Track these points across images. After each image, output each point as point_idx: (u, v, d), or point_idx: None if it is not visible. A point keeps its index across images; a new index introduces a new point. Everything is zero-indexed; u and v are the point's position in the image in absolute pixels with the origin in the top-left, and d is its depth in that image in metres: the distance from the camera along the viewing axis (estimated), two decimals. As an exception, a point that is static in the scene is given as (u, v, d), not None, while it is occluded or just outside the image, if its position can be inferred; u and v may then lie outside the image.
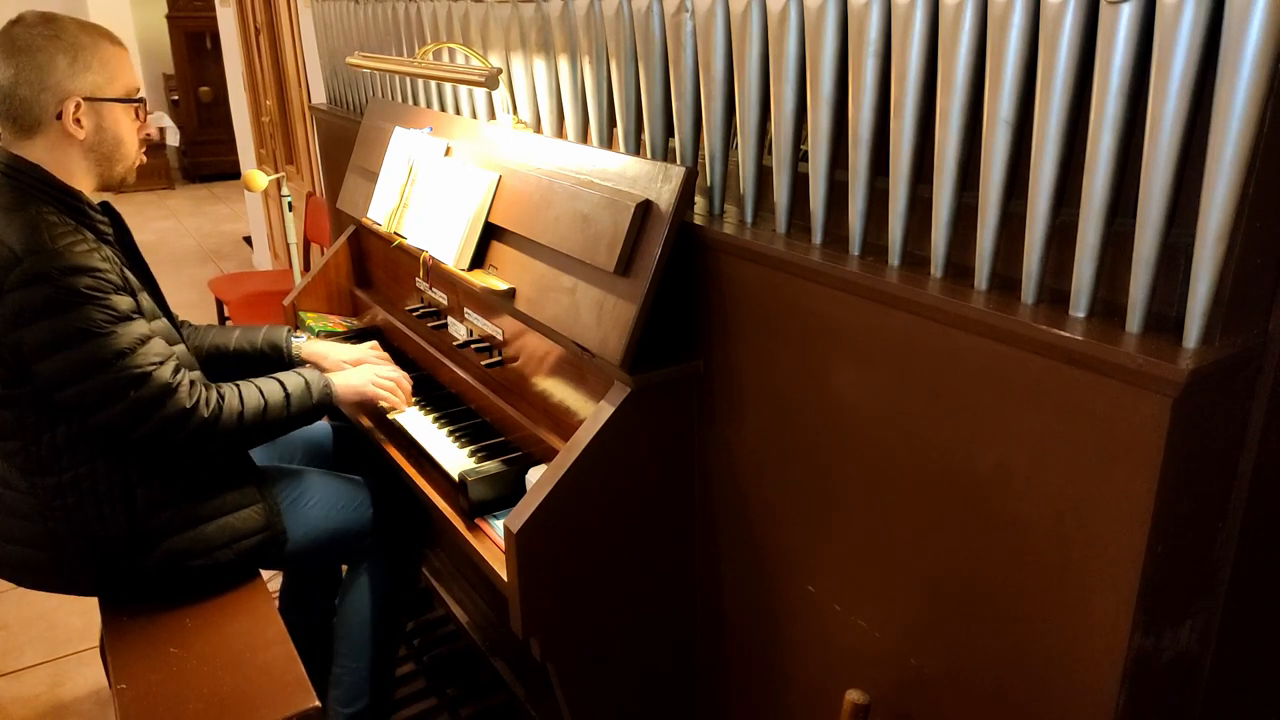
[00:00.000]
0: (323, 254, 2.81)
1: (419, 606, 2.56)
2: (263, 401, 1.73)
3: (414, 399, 1.97)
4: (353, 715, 2.01)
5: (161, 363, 1.61)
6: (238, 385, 1.73)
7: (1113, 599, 1.02)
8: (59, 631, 2.61)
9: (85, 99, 1.61)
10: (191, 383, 1.65)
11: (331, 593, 2.18)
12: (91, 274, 1.54)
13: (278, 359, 2.03)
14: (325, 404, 1.84)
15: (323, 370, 1.96)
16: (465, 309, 1.92)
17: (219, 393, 1.69)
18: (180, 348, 1.72)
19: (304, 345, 2.05)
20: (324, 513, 1.91)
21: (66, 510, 1.67)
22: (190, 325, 2.05)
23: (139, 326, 1.61)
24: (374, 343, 2.14)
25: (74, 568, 1.72)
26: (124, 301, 1.59)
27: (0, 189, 1.59)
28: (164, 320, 1.72)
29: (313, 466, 2.08)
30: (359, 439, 2.19)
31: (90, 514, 1.68)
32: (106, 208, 1.71)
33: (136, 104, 1.70)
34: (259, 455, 1.97)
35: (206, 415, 1.65)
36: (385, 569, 2.03)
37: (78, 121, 1.61)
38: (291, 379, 1.80)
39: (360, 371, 1.94)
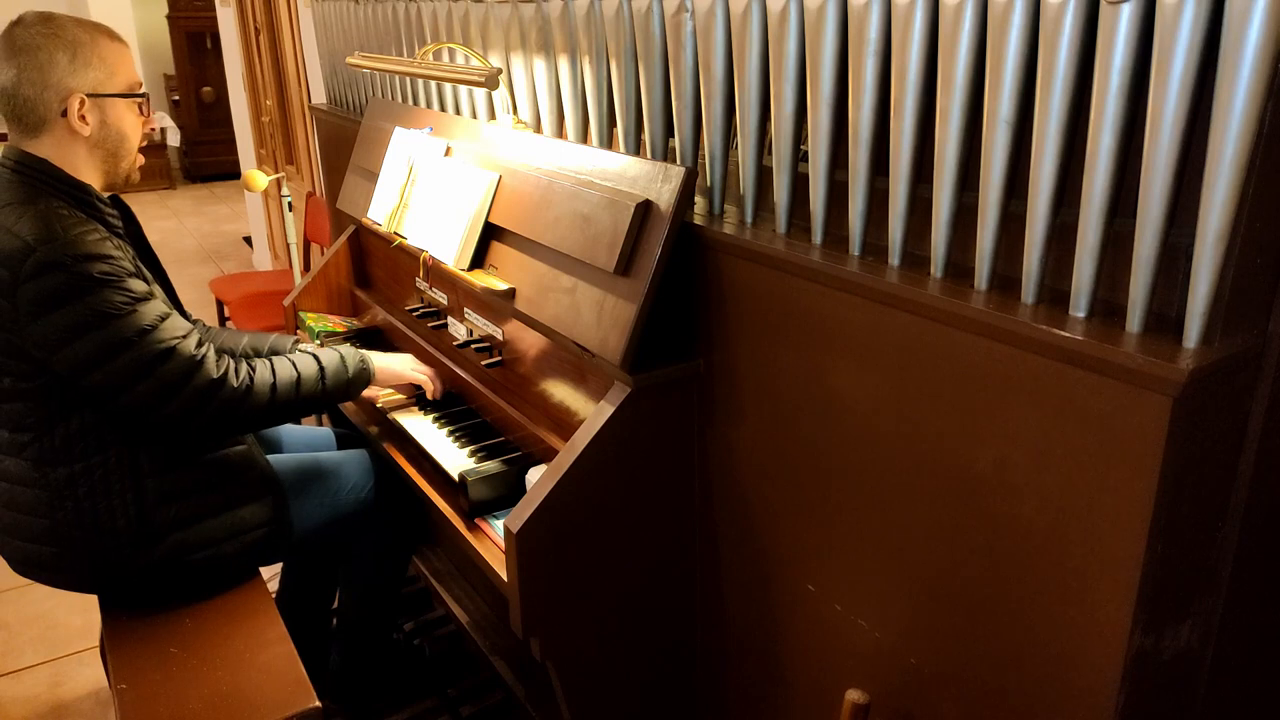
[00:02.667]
0: (323, 254, 2.80)
1: (419, 606, 2.56)
2: (296, 374, 1.73)
3: (413, 400, 1.98)
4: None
5: (184, 336, 1.62)
6: (270, 359, 1.74)
7: (1113, 599, 1.02)
8: (59, 631, 2.61)
9: (88, 95, 1.61)
10: (218, 354, 1.65)
11: (331, 582, 2.20)
12: (105, 260, 1.55)
13: None
14: (362, 382, 1.83)
15: None
16: (465, 309, 1.92)
17: (250, 365, 1.70)
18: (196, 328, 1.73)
19: None
20: (328, 499, 1.92)
21: (77, 501, 1.67)
22: (201, 323, 2.06)
23: (158, 305, 1.61)
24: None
25: (80, 562, 1.72)
26: (139, 284, 1.60)
27: (11, 185, 1.60)
28: (175, 313, 1.73)
29: (314, 448, 2.10)
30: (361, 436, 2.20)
31: (100, 505, 1.68)
32: (116, 201, 1.71)
33: (140, 99, 1.70)
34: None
35: (236, 385, 1.65)
36: (382, 543, 2.05)
37: (82, 118, 1.62)
38: (327, 354, 1.80)
39: (402, 358, 1.95)
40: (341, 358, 1.81)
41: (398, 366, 1.91)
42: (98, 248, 1.55)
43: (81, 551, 1.71)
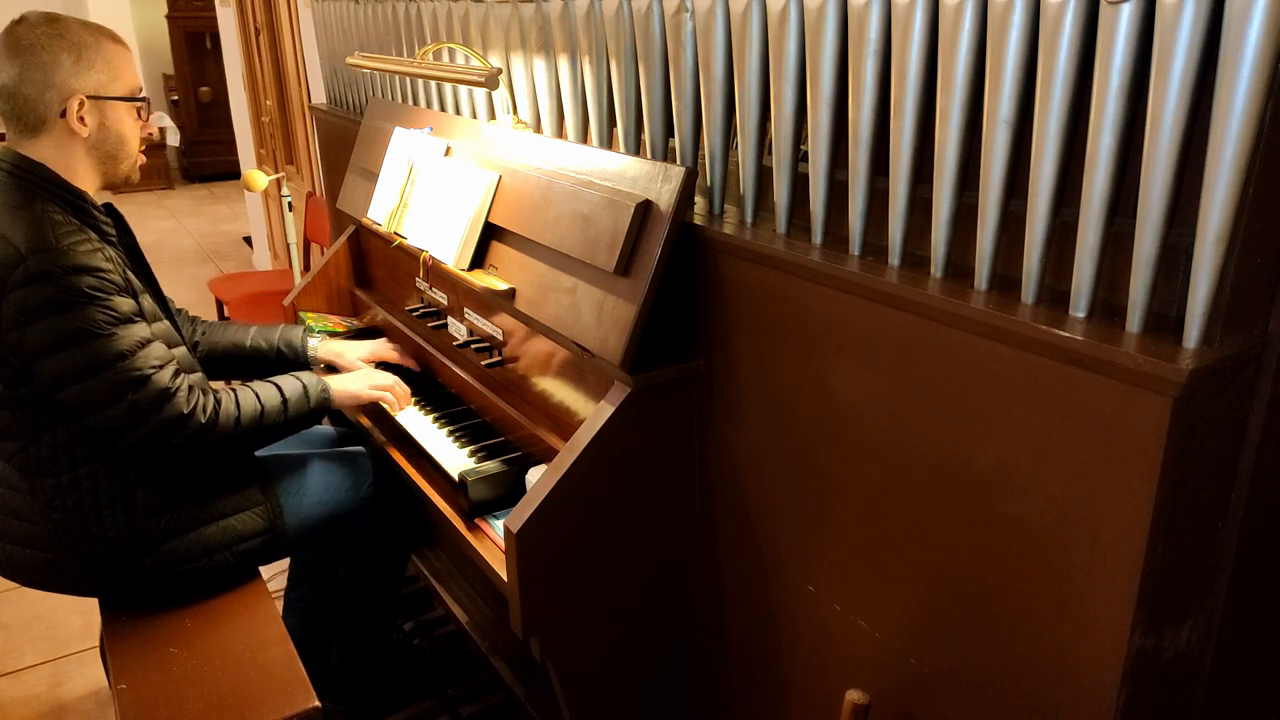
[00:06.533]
0: (323, 254, 2.80)
1: (419, 606, 2.56)
2: (259, 407, 1.73)
3: (414, 399, 1.98)
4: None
5: (161, 366, 1.62)
6: (234, 390, 1.74)
7: (1113, 599, 1.02)
8: (59, 631, 2.61)
9: (89, 97, 1.61)
10: (190, 387, 1.65)
11: (332, 582, 2.20)
12: (94, 274, 1.55)
13: (293, 359, 2.04)
14: (322, 408, 1.84)
15: (339, 370, 2.00)
16: (465, 309, 1.92)
17: (215, 398, 1.69)
18: (180, 350, 1.72)
19: (319, 346, 2.07)
20: (324, 498, 1.92)
21: (66, 512, 1.67)
22: (205, 322, 2.06)
23: (140, 329, 1.61)
24: (384, 339, 2.17)
25: (73, 569, 1.72)
26: (126, 303, 1.59)
27: (6, 187, 1.59)
28: (165, 323, 1.72)
29: (314, 446, 2.10)
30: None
31: (90, 516, 1.68)
32: (110, 209, 1.71)
33: (140, 103, 1.70)
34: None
35: (203, 420, 1.65)
36: (382, 543, 2.06)
37: (81, 120, 1.61)
38: (289, 384, 1.80)
39: (357, 377, 1.95)
40: (304, 388, 1.81)
41: (354, 389, 1.91)
42: (88, 259, 1.55)
43: (73, 558, 1.71)
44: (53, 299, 1.52)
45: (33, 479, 1.67)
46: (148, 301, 1.68)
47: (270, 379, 1.81)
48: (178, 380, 1.63)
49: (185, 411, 1.63)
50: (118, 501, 1.68)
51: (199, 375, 1.72)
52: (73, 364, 1.55)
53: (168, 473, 1.73)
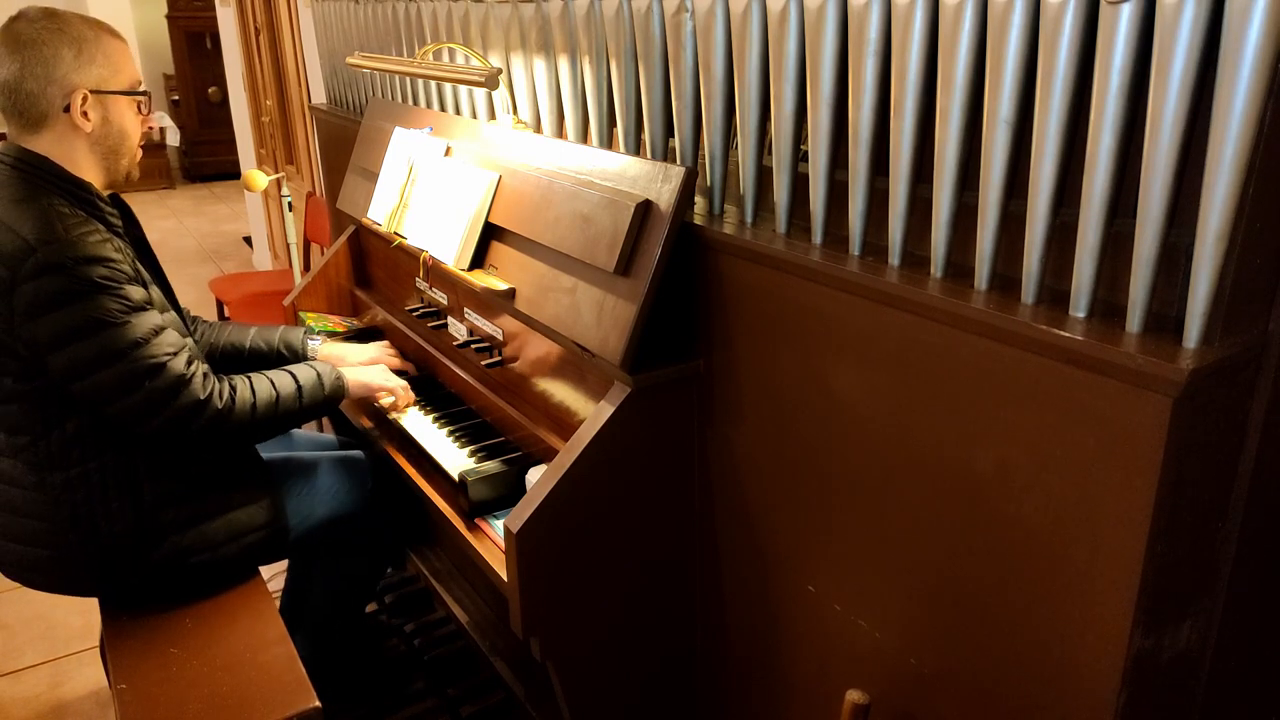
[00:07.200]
0: (323, 254, 2.80)
1: (419, 607, 2.56)
2: (275, 393, 1.74)
3: (414, 399, 1.98)
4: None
5: (176, 353, 1.62)
6: (249, 377, 1.75)
7: (1113, 599, 1.02)
8: (59, 631, 2.61)
9: (91, 91, 1.61)
10: (205, 374, 1.66)
11: (334, 583, 2.19)
12: (105, 264, 1.55)
13: (293, 360, 2.04)
14: (337, 397, 1.85)
15: None
16: (465, 309, 1.92)
17: (231, 384, 1.70)
18: (189, 341, 1.73)
19: (320, 348, 2.07)
20: (326, 500, 1.92)
21: (74, 506, 1.67)
22: (205, 322, 2.07)
23: (153, 316, 1.61)
24: (385, 342, 2.17)
25: (76, 565, 1.72)
26: (137, 292, 1.60)
27: (11, 182, 1.59)
28: (173, 314, 1.73)
29: (315, 449, 2.10)
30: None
31: (98, 510, 1.68)
32: (116, 200, 1.71)
33: (141, 97, 1.70)
34: (264, 445, 1.97)
35: (220, 406, 1.66)
36: (381, 543, 2.06)
37: (85, 114, 1.62)
38: (304, 371, 1.81)
39: (370, 369, 1.96)
40: (318, 376, 1.82)
41: (366, 379, 1.92)
42: (98, 250, 1.55)
43: (78, 555, 1.71)
44: (64, 290, 1.52)
45: (42, 473, 1.67)
46: (156, 293, 1.68)
47: (284, 367, 1.82)
48: (193, 367, 1.64)
49: (202, 397, 1.64)
50: (125, 495, 1.69)
51: (207, 367, 1.72)
52: (87, 354, 1.55)
53: (175, 467, 1.73)
